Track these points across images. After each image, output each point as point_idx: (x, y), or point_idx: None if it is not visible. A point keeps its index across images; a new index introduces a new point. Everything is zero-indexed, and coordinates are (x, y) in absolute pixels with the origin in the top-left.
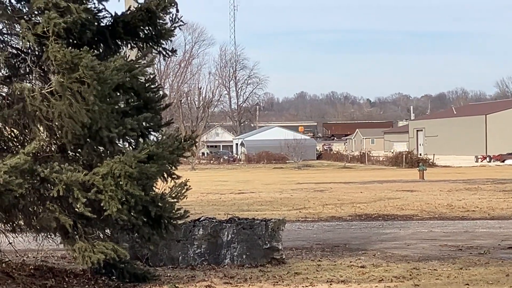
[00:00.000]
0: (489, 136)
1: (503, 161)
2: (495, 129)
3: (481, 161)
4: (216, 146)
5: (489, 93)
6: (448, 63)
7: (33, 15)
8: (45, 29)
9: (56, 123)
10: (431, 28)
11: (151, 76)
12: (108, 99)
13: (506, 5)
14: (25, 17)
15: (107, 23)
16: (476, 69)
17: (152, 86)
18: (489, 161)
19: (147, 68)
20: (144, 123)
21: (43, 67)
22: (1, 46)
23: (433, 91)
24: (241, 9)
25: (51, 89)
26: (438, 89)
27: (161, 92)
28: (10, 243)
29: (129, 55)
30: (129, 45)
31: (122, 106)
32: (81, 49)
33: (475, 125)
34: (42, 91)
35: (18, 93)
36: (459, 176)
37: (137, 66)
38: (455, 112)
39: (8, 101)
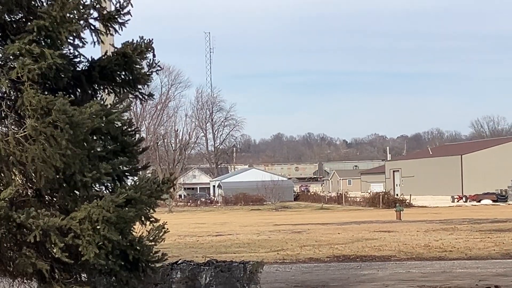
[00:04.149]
0: (465, 176)
1: (479, 201)
2: (470, 169)
3: (458, 201)
4: (193, 188)
5: (464, 134)
6: (423, 104)
7: (8, 60)
8: (20, 75)
9: (30, 168)
10: (406, 69)
11: (128, 120)
12: (83, 144)
13: (478, 47)
14: None
15: (83, 68)
16: (451, 110)
17: (129, 130)
18: (465, 201)
19: (123, 113)
20: (120, 167)
21: (18, 112)
22: None
23: (408, 131)
24: (217, 52)
25: (25, 133)
26: (414, 130)
27: (138, 136)
28: None
29: (106, 99)
30: (106, 90)
31: (98, 150)
32: (56, 94)
33: (451, 165)
34: (16, 136)
35: None
36: (435, 216)
37: (113, 111)
38: (431, 153)
39: None
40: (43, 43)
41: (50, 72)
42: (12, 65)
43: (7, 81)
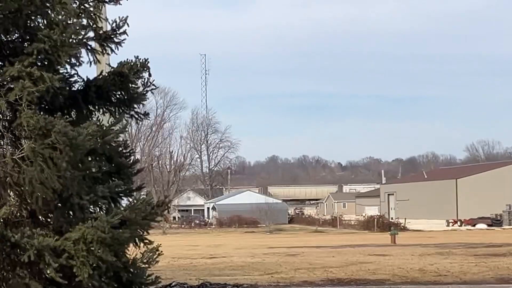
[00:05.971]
0: (459, 200)
1: (474, 225)
2: (465, 193)
3: (452, 225)
4: (187, 210)
5: (459, 157)
6: (418, 128)
7: (6, 82)
8: (18, 97)
9: (27, 189)
10: (402, 92)
11: (124, 141)
12: (80, 165)
13: (473, 71)
14: None
15: (79, 88)
16: (446, 134)
17: (125, 151)
18: (460, 225)
19: (120, 134)
20: (116, 189)
21: (14, 133)
22: None
23: (403, 155)
24: (213, 73)
25: (23, 154)
26: (409, 153)
27: (133, 157)
28: None
29: (101, 120)
30: (101, 110)
31: (94, 171)
32: (54, 115)
33: (446, 189)
34: (13, 157)
35: None
36: (430, 240)
37: (110, 132)
38: (425, 176)
39: None
40: (41, 66)
41: (48, 94)
42: (10, 87)
43: (5, 102)
